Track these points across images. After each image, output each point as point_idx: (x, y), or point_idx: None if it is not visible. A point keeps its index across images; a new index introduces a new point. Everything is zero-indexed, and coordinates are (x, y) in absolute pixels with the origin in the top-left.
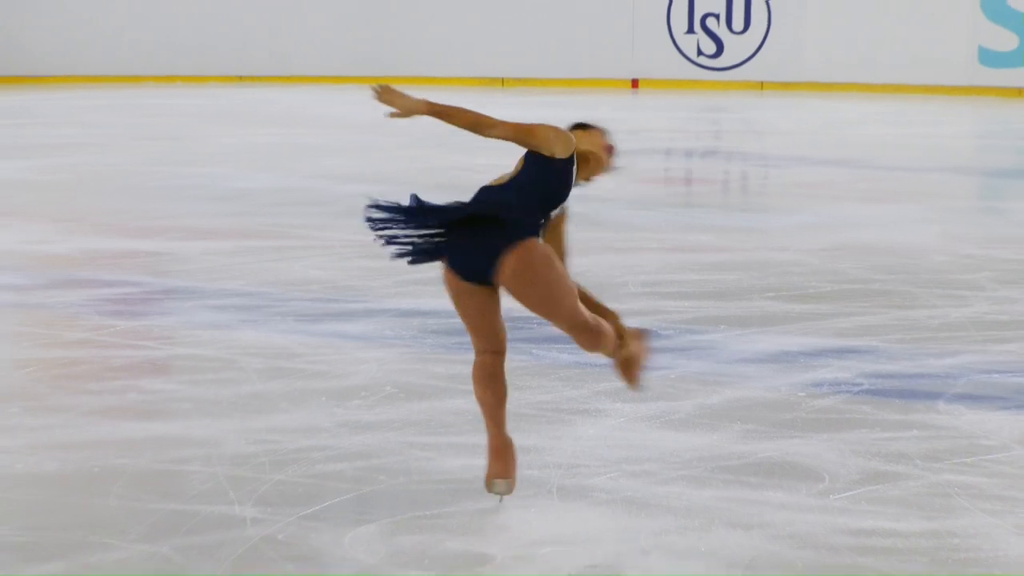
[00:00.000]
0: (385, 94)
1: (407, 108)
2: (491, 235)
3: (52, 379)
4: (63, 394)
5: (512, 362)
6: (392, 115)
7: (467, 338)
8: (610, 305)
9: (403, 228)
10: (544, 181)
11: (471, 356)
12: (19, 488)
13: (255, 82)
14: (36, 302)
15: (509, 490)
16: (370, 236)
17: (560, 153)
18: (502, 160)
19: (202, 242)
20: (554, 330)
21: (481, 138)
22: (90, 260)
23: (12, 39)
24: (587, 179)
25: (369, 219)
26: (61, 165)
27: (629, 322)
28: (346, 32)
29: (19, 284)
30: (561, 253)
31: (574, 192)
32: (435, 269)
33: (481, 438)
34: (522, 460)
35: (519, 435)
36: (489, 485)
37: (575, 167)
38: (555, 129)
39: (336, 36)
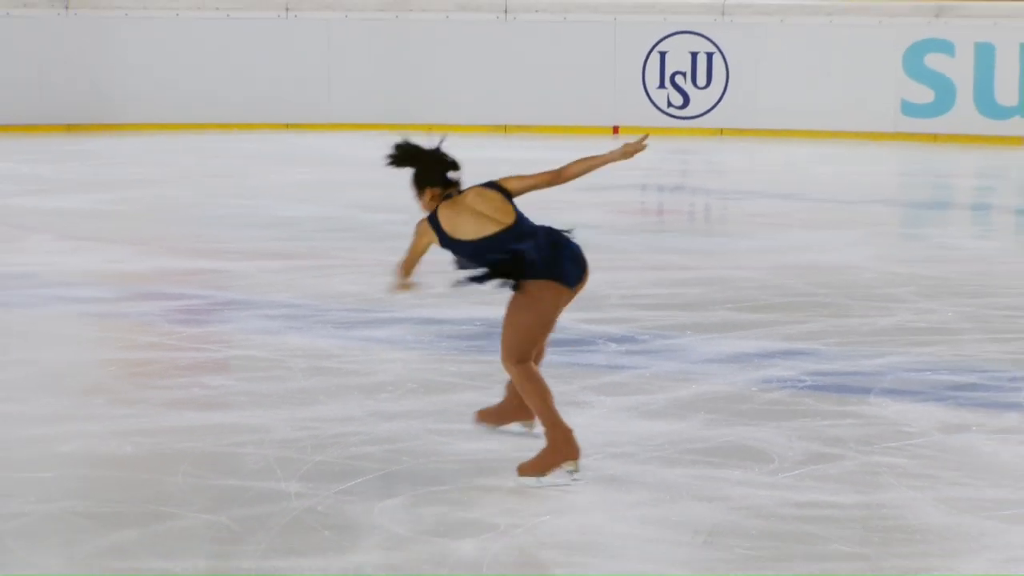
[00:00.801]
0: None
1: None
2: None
3: (129, 376)
4: (138, 389)
5: None
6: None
7: (477, 342)
8: (590, 315)
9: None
10: None
11: (480, 357)
12: (102, 467)
13: (299, 128)
14: (116, 312)
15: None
16: (395, 256)
17: None
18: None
19: (254, 262)
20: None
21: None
22: (160, 277)
23: (96, 92)
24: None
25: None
26: (136, 197)
27: (613, 328)
28: (378, 85)
29: (102, 297)
30: None
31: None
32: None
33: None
34: (522, 444)
35: (517, 425)
36: (567, 465)
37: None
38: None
39: (369, 89)
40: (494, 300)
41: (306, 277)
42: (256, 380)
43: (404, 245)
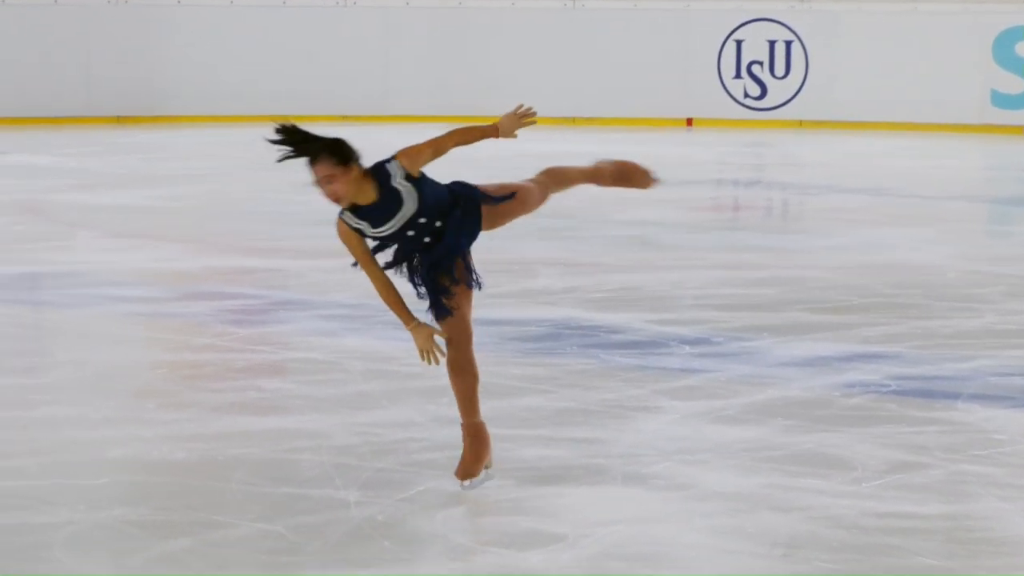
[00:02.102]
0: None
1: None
2: None
3: (182, 379)
4: (191, 392)
5: (581, 365)
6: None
7: (541, 344)
8: (662, 316)
9: None
10: None
11: (545, 360)
12: (153, 473)
13: (356, 121)
14: (168, 312)
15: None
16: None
17: None
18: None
19: (311, 260)
20: (618, 338)
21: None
22: (214, 276)
23: (146, 83)
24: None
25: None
26: (187, 193)
27: (686, 329)
28: (437, 76)
29: (153, 297)
30: None
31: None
32: (513, 285)
33: (555, 432)
34: (590, 451)
35: (587, 429)
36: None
37: None
38: None
39: (428, 79)
40: (559, 301)
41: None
42: (313, 383)
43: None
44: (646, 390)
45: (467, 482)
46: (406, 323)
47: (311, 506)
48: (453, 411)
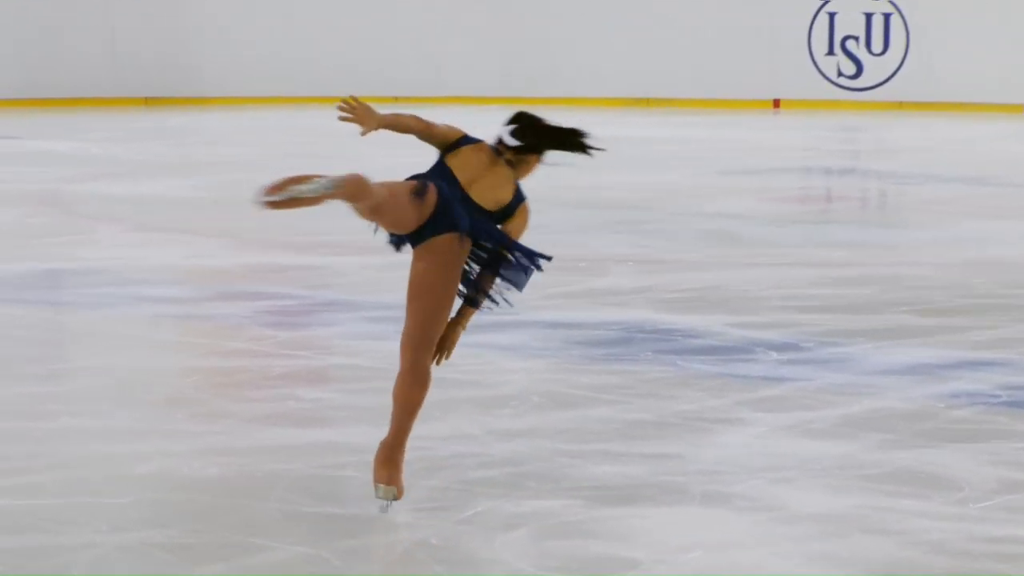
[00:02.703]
0: (359, 111)
1: (374, 123)
2: None
3: (214, 387)
4: (225, 401)
5: (656, 372)
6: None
7: (613, 349)
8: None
9: None
10: None
11: (617, 367)
12: (183, 492)
13: (408, 103)
14: (199, 314)
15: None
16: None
17: None
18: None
19: (357, 257)
20: (696, 343)
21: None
22: (250, 274)
23: (177, 61)
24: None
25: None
26: (222, 182)
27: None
28: (495, 54)
29: (183, 297)
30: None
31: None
32: (580, 284)
33: (628, 447)
34: (667, 467)
35: (663, 443)
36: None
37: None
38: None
39: (485, 58)
40: (631, 301)
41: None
42: (359, 392)
43: (529, 238)
44: (728, 400)
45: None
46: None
47: (356, 528)
48: (511, 424)
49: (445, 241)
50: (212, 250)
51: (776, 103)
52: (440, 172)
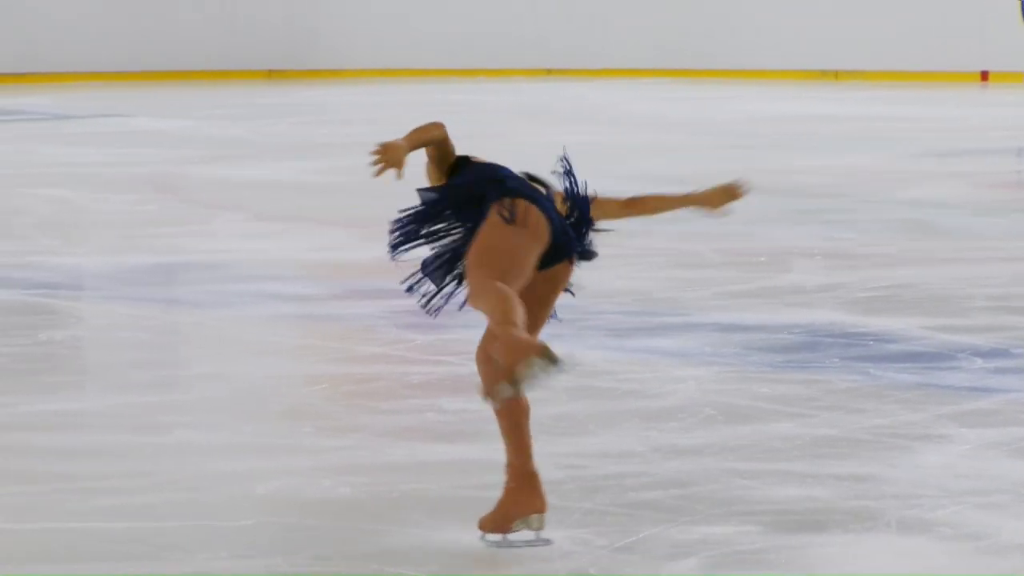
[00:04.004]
0: (387, 153)
1: (404, 153)
2: None
3: (345, 397)
4: (357, 413)
5: (846, 383)
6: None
7: (797, 356)
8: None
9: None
10: None
11: (802, 376)
12: (309, 515)
13: (559, 76)
14: (327, 314)
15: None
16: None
17: None
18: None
19: None
20: (891, 348)
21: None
22: (385, 268)
23: (301, 31)
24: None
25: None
26: (351, 165)
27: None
28: (660, 23)
29: (309, 294)
30: None
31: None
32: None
33: (813, 467)
34: (858, 490)
35: (854, 463)
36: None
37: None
38: None
39: (649, 27)
40: (817, 301)
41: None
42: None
43: (700, 229)
44: (928, 414)
45: (490, 536)
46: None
47: (506, 556)
48: (679, 440)
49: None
50: (341, 241)
51: (984, 75)
52: (528, 187)
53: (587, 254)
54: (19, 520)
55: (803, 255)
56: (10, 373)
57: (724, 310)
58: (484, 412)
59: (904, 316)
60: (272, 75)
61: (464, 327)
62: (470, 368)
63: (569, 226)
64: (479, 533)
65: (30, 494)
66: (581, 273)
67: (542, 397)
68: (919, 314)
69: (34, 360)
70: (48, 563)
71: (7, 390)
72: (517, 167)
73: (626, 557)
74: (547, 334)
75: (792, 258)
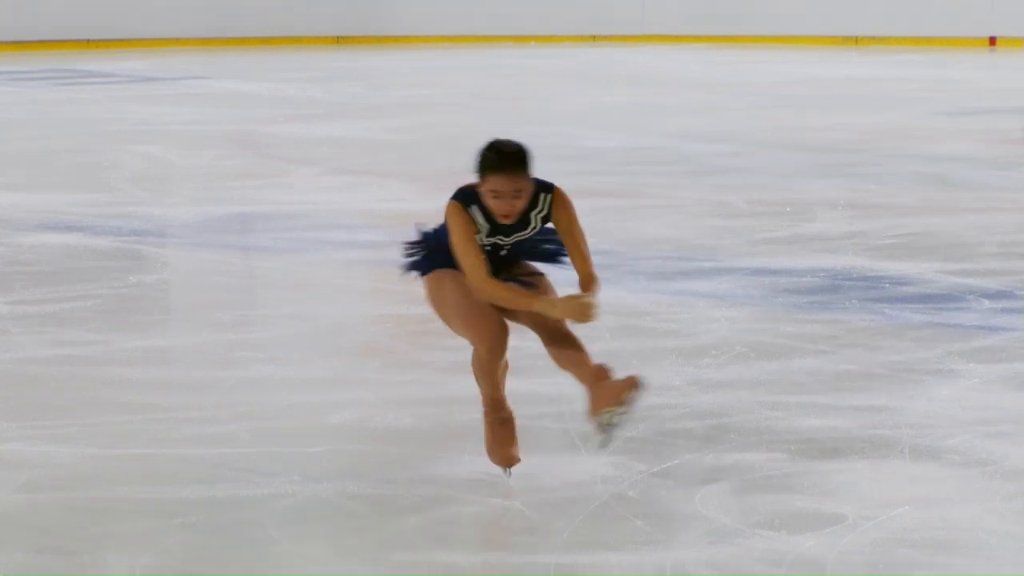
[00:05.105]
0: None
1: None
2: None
3: (409, 335)
4: (420, 350)
5: (865, 322)
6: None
7: (821, 297)
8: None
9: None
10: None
11: (823, 316)
12: (376, 442)
13: (609, 42)
14: (394, 259)
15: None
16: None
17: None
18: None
19: None
20: (907, 291)
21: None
22: None
23: (377, 3)
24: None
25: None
26: (416, 124)
27: (987, 281)
28: None
29: (377, 241)
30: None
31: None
32: (787, 229)
33: (834, 399)
34: (875, 421)
35: (871, 395)
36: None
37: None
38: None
39: None
40: (840, 248)
41: (615, 219)
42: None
43: (734, 182)
44: (939, 351)
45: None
46: (532, 302)
47: (553, 481)
48: (713, 374)
49: None
50: (408, 194)
51: (992, 41)
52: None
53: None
54: (116, 446)
55: (827, 205)
56: (105, 313)
57: (755, 256)
58: (533, 348)
59: (919, 261)
60: (340, 41)
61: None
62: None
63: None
64: (527, 458)
65: (126, 423)
66: (626, 223)
67: (588, 335)
68: (933, 259)
69: (127, 301)
70: (143, 485)
71: (103, 328)
72: (566, 124)
73: (662, 481)
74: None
75: (817, 208)
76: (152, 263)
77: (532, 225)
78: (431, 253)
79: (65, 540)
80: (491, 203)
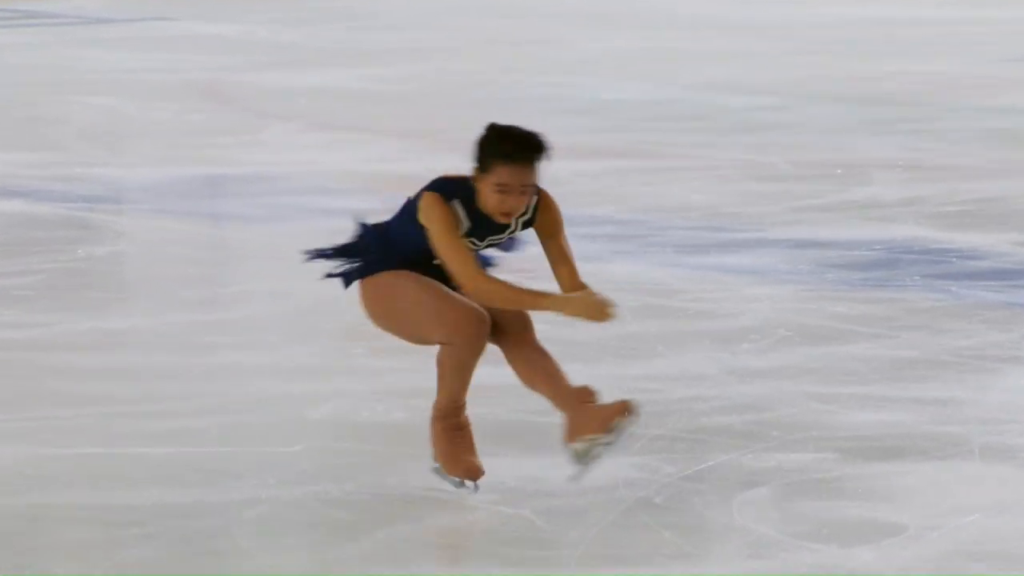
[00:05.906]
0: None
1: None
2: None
3: None
4: None
5: (929, 302)
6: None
7: (874, 273)
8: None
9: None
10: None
11: (881, 295)
12: (364, 439)
13: None
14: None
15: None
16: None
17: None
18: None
19: (566, 162)
20: (977, 265)
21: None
22: None
23: None
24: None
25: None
26: (408, 73)
27: None
28: None
29: (365, 208)
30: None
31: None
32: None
33: (893, 390)
34: (940, 415)
35: (936, 386)
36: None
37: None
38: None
39: None
40: (898, 216)
41: (637, 182)
42: (570, 324)
43: (773, 139)
44: (1016, 335)
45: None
46: (541, 300)
47: (568, 484)
48: (752, 362)
49: None
50: (398, 153)
51: None
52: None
53: None
54: (63, 444)
55: (882, 167)
56: (50, 291)
57: (799, 225)
58: (544, 333)
59: (990, 231)
60: None
61: (527, 243)
62: (532, 287)
63: None
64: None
65: (74, 417)
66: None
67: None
68: (1007, 229)
69: (76, 276)
70: (93, 489)
71: (47, 308)
72: (578, 73)
73: (695, 486)
74: (612, 251)
75: (871, 170)
76: (105, 233)
77: (511, 229)
78: (374, 252)
79: (4, 552)
80: (491, 198)
